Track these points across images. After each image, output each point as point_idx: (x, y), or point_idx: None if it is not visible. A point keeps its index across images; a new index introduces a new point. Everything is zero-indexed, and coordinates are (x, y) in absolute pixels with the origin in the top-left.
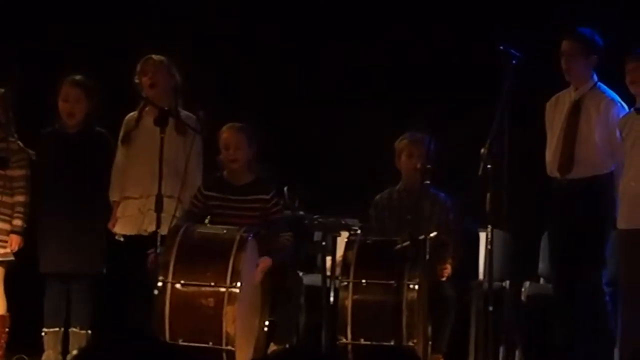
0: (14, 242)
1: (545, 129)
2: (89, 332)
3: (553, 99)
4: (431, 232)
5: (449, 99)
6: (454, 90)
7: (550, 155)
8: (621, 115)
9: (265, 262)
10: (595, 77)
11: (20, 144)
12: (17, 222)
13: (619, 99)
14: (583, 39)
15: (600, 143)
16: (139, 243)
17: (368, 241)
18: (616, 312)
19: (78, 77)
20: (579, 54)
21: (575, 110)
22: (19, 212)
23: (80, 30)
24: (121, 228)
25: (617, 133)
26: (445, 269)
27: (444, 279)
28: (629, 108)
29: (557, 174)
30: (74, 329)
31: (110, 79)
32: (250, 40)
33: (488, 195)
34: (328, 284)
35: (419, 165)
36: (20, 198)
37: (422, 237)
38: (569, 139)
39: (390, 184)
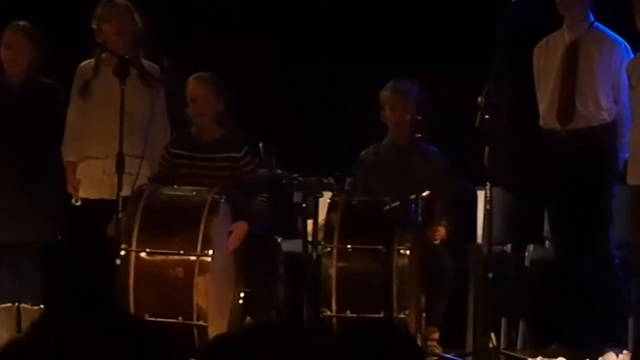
0: None
1: (534, 77)
2: (42, 307)
3: (543, 42)
4: (423, 191)
5: (438, 45)
6: (443, 36)
7: (546, 104)
8: (625, 59)
9: (241, 227)
10: (592, 17)
11: None
12: None
13: (623, 41)
14: None
15: (603, 88)
16: (101, 207)
17: (353, 202)
18: (628, 278)
19: (22, 22)
20: None
21: (572, 53)
22: None
23: None
24: (84, 192)
25: (624, 78)
26: (438, 231)
27: (437, 241)
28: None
29: (555, 125)
30: (25, 305)
31: (58, 25)
32: None
33: (486, 148)
34: (310, 251)
35: (408, 117)
36: None
37: (413, 196)
38: (568, 85)
39: (376, 140)
